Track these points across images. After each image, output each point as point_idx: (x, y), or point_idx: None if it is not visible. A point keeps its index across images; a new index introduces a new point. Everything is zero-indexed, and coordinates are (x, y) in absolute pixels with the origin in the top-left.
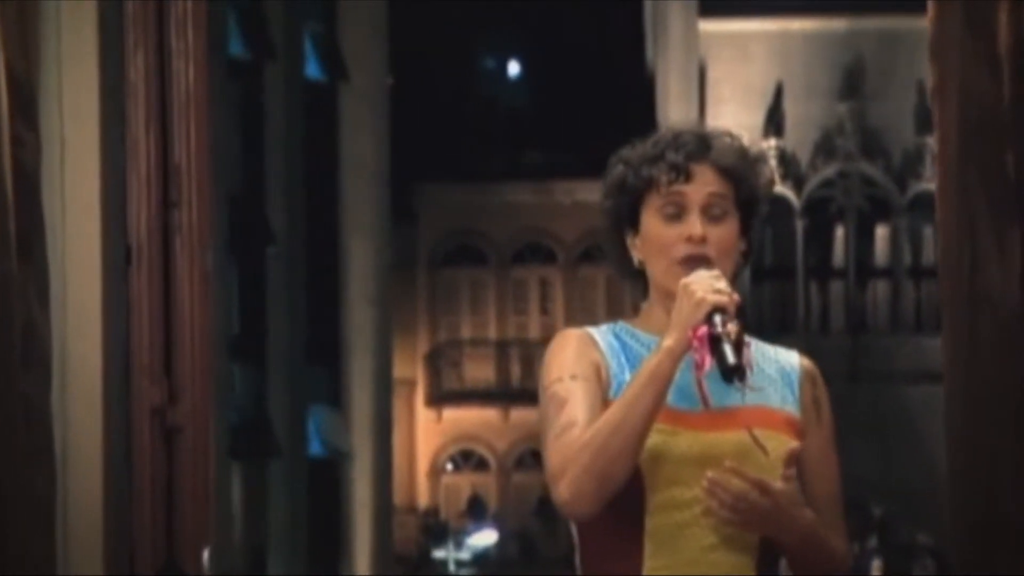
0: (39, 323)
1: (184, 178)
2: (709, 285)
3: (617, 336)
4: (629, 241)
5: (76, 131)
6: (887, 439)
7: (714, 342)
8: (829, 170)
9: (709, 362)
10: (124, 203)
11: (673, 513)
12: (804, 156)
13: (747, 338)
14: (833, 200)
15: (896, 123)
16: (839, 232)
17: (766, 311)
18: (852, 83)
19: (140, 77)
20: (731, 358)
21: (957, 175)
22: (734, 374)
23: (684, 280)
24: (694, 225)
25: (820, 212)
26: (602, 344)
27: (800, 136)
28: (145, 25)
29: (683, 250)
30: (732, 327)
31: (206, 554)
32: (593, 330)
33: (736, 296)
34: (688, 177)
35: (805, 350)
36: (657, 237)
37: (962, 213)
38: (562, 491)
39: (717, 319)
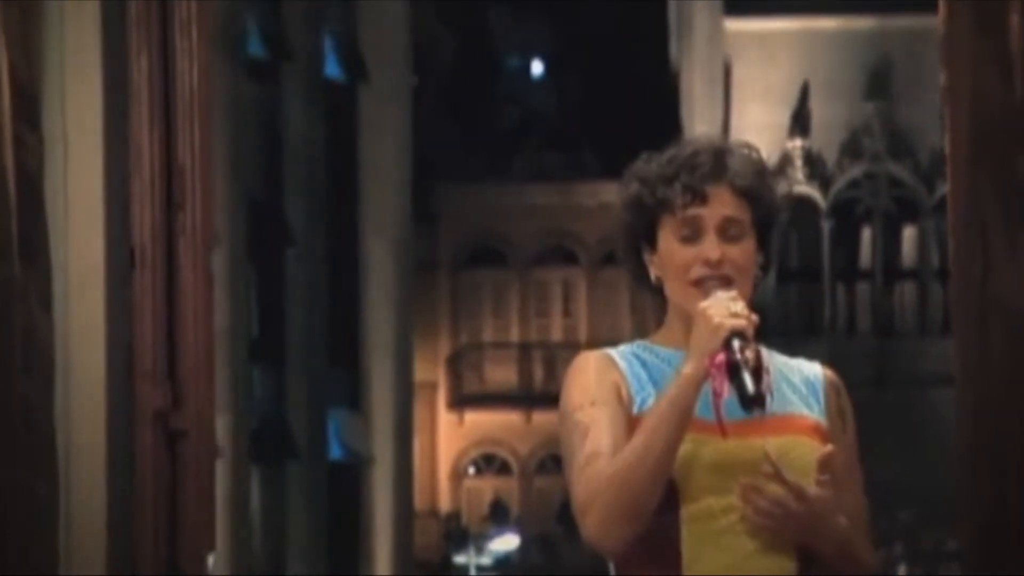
0: (41, 326)
1: (188, 179)
2: (726, 309)
3: (636, 355)
4: (647, 258)
5: (79, 133)
6: (914, 443)
7: (733, 370)
8: (856, 171)
9: (727, 390)
10: (128, 205)
11: (709, 522)
12: (831, 156)
13: (767, 351)
14: (860, 201)
15: (924, 123)
16: (866, 233)
17: (792, 313)
18: (879, 83)
19: (143, 78)
20: (750, 387)
21: (968, 178)
22: (753, 404)
23: (701, 305)
24: (711, 249)
25: (847, 213)
26: (621, 364)
27: (826, 136)
28: (148, 25)
29: (699, 272)
30: (750, 353)
31: (210, 559)
32: (612, 351)
33: (755, 318)
34: (704, 200)
35: (831, 353)
36: (673, 259)
37: (973, 216)
38: (590, 527)
39: (735, 344)
